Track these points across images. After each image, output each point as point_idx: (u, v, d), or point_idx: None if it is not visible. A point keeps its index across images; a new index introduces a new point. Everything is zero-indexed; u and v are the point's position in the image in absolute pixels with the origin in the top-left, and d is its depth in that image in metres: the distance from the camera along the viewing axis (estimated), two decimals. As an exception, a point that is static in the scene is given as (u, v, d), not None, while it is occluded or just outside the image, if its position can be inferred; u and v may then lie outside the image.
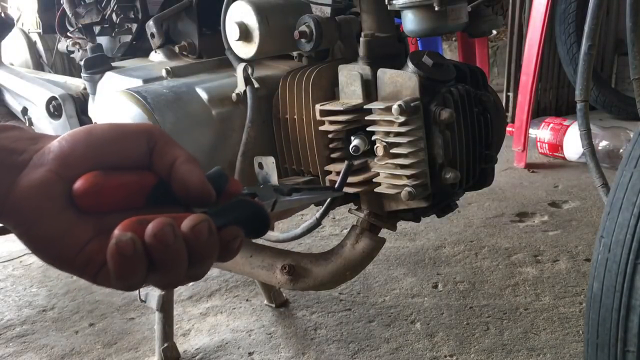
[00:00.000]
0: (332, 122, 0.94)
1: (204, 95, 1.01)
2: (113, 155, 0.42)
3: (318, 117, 0.95)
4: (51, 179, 0.40)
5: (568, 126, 2.71)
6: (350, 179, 0.95)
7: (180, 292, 1.73)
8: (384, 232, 1.05)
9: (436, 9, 0.88)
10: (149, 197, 0.42)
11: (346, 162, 0.61)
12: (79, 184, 0.40)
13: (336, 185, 0.56)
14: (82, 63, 1.19)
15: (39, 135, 0.44)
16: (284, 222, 2.08)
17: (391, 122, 0.88)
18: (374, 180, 0.93)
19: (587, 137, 1.13)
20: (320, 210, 1.05)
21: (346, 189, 0.96)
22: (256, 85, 1.01)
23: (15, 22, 1.68)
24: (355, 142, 0.93)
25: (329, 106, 0.94)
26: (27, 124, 1.38)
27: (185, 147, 1.00)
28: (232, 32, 1.02)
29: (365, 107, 0.92)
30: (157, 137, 0.43)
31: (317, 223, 1.07)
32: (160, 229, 0.37)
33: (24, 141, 0.42)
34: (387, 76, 0.90)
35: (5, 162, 0.41)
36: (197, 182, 0.42)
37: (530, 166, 2.68)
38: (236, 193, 0.45)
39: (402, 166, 0.89)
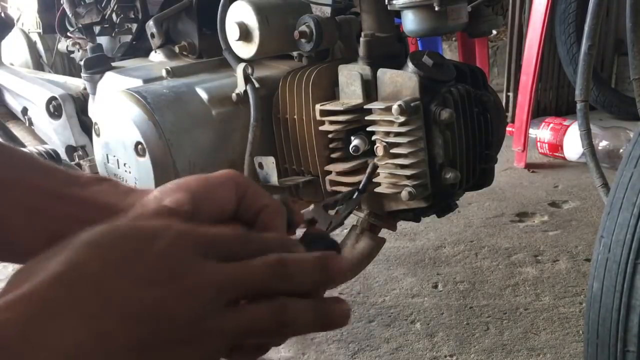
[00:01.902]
0: (332, 122, 0.94)
1: (204, 95, 1.01)
2: (205, 206, 0.41)
3: (318, 117, 0.95)
4: None
5: (568, 126, 2.71)
6: (350, 179, 0.95)
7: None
8: (384, 232, 1.05)
9: (436, 9, 0.88)
10: None
11: (371, 163, 0.62)
12: None
13: (360, 187, 0.57)
14: (82, 63, 1.19)
15: (131, 189, 0.44)
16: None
17: (391, 122, 0.88)
18: (374, 180, 0.93)
19: (587, 137, 1.13)
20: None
21: (346, 189, 0.96)
22: (256, 85, 1.01)
23: (15, 22, 1.68)
24: (355, 142, 0.93)
25: (329, 106, 0.94)
26: (27, 124, 1.38)
27: (185, 147, 1.00)
28: (232, 32, 1.02)
29: (365, 107, 0.92)
30: (246, 185, 0.43)
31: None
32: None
33: (117, 195, 0.42)
34: (387, 76, 0.90)
35: (98, 218, 0.39)
36: (277, 236, 0.42)
37: (530, 166, 2.68)
38: (300, 222, 0.47)
39: (402, 166, 0.89)
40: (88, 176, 0.43)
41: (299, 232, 0.47)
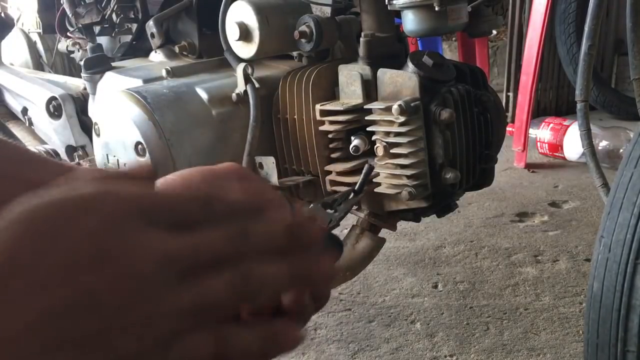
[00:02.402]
0: (332, 122, 0.94)
1: (204, 95, 1.02)
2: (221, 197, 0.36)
3: (318, 117, 0.95)
4: None
5: (568, 126, 2.71)
6: (350, 179, 0.95)
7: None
8: (384, 232, 1.05)
9: (436, 9, 0.88)
10: None
11: (366, 165, 0.62)
12: None
13: (356, 187, 0.57)
14: (82, 63, 1.19)
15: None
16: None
17: (391, 122, 0.88)
18: (374, 180, 0.93)
19: (587, 137, 1.13)
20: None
21: (346, 189, 0.96)
22: (256, 85, 1.01)
23: (15, 22, 1.68)
24: (355, 142, 0.93)
25: (329, 106, 0.94)
26: (27, 124, 1.38)
27: (185, 147, 1.00)
28: (232, 32, 1.02)
29: (365, 107, 0.92)
30: (250, 179, 0.40)
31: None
32: (327, 286, 0.37)
33: (121, 175, 0.40)
34: (387, 76, 0.90)
35: None
36: (283, 227, 0.40)
37: (530, 166, 2.68)
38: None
39: (402, 166, 0.89)
40: (84, 167, 0.41)
41: None
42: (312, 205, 0.52)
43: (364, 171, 0.61)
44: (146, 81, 1.08)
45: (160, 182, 0.37)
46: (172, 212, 0.30)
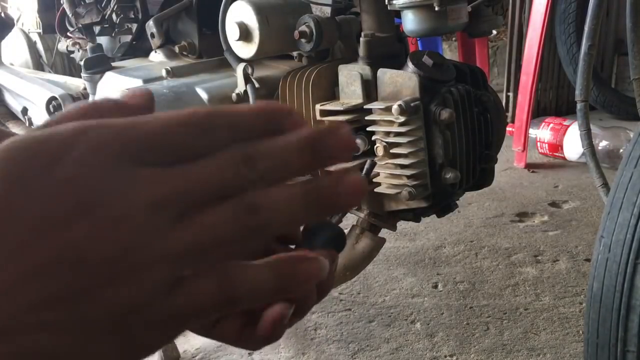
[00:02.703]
0: (332, 122, 0.94)
1: (204, 95, 1.02)
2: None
3: (318, 117, 0.95)
4: None
5: (568, 126, 2.71)
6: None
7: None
8: (384, 232, 1.05)
9: (436, 9, 0.88)
10: None
11: (368, 160, 0.62)
12: None
13: None
14: (82, 63, 1.20)
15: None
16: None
17: (391, 122, 0.88)
18: (374, 180, 0.93)
19: (587, 137, 1.13)
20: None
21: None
22: (256, 85, 1.01)
23: (15, 22, 1.68)
24: (355, 142, 0.93)
25: (329, 106, 0.94)
26: (27, 124, 1.38)
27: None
28: (232, 32, 1.02)
29: (365, 107, 0.92)
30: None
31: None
32: (312, 290, 0.35)
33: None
34: (387, 76, 0.90)
35: None
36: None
37: (530, 166, 2.68)
38: None
39: (402, 166, 0.89)
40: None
41: None
42: None
43: (365, 166, 0.60)
44: (146, 81, 1.08)
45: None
46: (165, 143, 0.26)
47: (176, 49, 1.20)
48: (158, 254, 0.25)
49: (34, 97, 1.31)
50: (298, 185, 0.28)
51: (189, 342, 1.50)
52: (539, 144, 2.81)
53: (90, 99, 1.21)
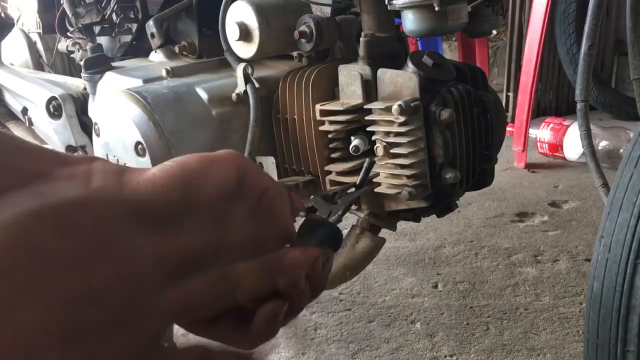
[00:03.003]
0: (332, 122, 0.94)
1: (204, 95, 1.01)
2: (202, 183, 0.38)
3: (318, 117, 0.95)
4: None
5: (568, 126, 2.71)
6: (350, 179, 0.95)
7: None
8: (384, 232, 1.05)
9: (436, 9, 0.88)
10: None
11: (367, 159, 0.62)
12: None
13: (357, 182, 0.57)
14: (82, 63, 1.19)
15: (124, 168, 0.40)
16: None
17: (391, 122, 0.88)
18: (374, 180, 0.93)
19: (587, 137, 1.13)
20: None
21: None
22: (256, 85, 1.01)
23: (15, 22, 1.68)
24: (355, 142, 0.93)
25: (329, 106, 0.94)
26: (27, 124, 1.38)
27: (185, 148, 1.00)
28: (232, 32, 1.02)
29: (365, 107, 0.92)
30: (247, 166, 0.40)
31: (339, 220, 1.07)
32: (298, 278, 0.37)
33: (109, 174, 0.38)
34: (387, 76, 0.90)
35: None
36: (282, 219, 0.40)
37: (530, 166, 2.68)
38: (301, 209, 0.45)
39: (402, 166, 0.89)
40: (77, 156, 0.40)
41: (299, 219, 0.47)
42: (312, 197, 0.51)
43: (365, 165, 0.60)
44: (146, 81, 1.08)
45: (157, 168, 0.37)
46: (155, 208, 0.32)
47: (176, 49, 1.20)
48: (156, 306, 0.30)
49: (34, 97, 1.31)
50: (259, 261, 0.35)
51: (189, 342, 1.50)
52: (539, 144, 2.82)
53: (90, 99, 1.21)
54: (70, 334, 0.27)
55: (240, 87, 1.01)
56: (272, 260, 0.36)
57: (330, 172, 0.98)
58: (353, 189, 0.55)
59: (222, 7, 1.04)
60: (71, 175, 0.33)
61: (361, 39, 0.95)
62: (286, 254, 0.37)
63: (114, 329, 0.28)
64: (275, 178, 0.97)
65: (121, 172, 0.37)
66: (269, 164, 0.97)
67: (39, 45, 1.83)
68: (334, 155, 0.97)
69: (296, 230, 0.42)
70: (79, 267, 0.28)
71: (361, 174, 0.58)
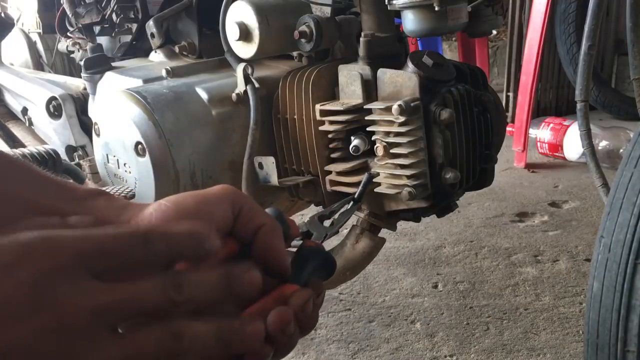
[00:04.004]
0: (332, 122, 0.94)
1: (204, 95, 1.01)
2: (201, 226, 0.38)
3: (318, 117, 0.95)
4: None
5: (568, 126, 2.71)
6: (350, 179, 0.95)
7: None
8: (384, 232, 1.05)
9: (436, 9, 0.88)
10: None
11: (366, 174, 0.62)
12: None
13: (355, 196, 0.57)
14: (82, 63, 1.19)
15: (127, 204, 0.42)
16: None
17: (391, 122, 0.88)
18: (374, 180, 0.93)
19: (587, 137, 1.13)
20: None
21: (346, 189, 0.96)
22: (256, 85, 1.01)
23: (15, 22, 1.68)
24: (355, 142, 0.93)
25: (329, 106, 0.94)
26: (27, 124, 1.38)
27: (185, 147, 1.00)
28: (232, 32, 1.02)
29: (365, 107, 0.92)
30: (242, 202, 0.41)
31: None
32: (286, 322, 0.37)
33: (112, 210, 0.40)
34: (387, 76, 0.90)
35: None
36: (277, 256, 0.41)
37: (530, 166, 2.68)
38: (296, 235, 0.46)
39: (402, 166, 0.89)
40: (83, 190, 0.40)
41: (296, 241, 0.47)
42: (308, 218, 0.51)
43: (363, 181, 0.61)
44: (146, 81, 1.08)
45: (153, 207, 0.38)
46: (109, 256, 0.31)
47: (176, 49, 1.20)
48: (97, 357, 0.29)
49: (34, 97, 1.31)
50: (217, 323, 0.34)
51: None
52: (539, 144, 2.82)
53: (90, 99, 1.21)
54: None
55: (240, 87, 1.01)
56: (233, 327, 0.35)
57: (330, 172, 0.98)
58: (351, 204, 0.55)
59: (222, 7, 1.04)
60: (54, 216, 0.34)
61: (361, 39, 0.95)
62: (249, 324, 0.35)
63: None
64: (275, 178, 0.97)
65: (115, 211, 0.37)
66: (269, 164, 0.97)
67: (39, 45, 1.82)
68: (333, 155, 0.97)
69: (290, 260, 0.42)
70: (9, 323, 0.27)
71: (359, 188, 0.58)
